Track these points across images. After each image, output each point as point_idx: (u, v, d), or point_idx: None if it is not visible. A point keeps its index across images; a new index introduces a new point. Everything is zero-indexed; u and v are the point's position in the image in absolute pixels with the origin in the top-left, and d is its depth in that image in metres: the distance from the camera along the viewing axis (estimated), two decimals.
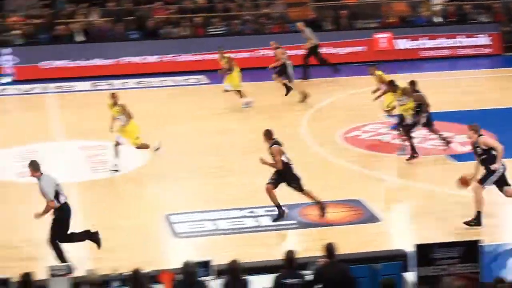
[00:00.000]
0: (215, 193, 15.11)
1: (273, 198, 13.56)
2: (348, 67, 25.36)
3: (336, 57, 26.03)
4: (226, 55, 21.21)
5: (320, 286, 9.68)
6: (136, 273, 9.45)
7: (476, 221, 13.03)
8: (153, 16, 26.99)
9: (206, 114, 20.70)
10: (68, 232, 11.98)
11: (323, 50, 25.67)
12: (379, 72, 18.87)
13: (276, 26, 26.96)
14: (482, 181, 13.05)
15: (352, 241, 12.80)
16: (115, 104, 16.42)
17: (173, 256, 12.48)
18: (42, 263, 11.39)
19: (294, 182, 13.61)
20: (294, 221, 13.86)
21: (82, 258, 12.15)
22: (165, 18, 27.14)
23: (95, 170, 16.64)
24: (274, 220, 13.63)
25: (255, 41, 25.96)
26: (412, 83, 17.10)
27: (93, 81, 24.42)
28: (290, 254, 9.88)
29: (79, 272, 10.34)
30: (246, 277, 9.74)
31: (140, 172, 16.50)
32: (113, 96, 16.55)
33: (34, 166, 11.92)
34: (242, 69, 21.32)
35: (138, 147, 16.39)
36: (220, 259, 10.54)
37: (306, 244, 12.67)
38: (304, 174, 15.93)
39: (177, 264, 9.93)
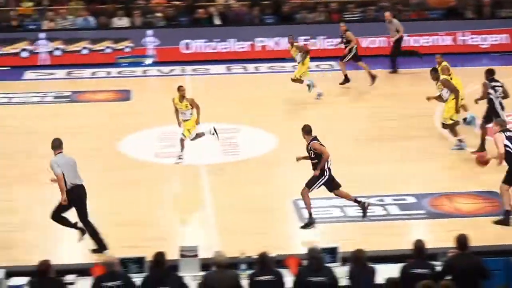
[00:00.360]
0: (345, 180, 15.01)
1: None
2: (489, 56, 24.71)
3: (477, 47, 25.48)
4: (296, 44, 20.63)
5: (450, 277, 9.49)
6: (263, 257, 9.54)
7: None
8: (289, 0, 27.05)
9: (337, 100, 20.60)
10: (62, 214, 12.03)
11: (463, 38, 25.39)
12: (445, 63, 18.06)
13: (414, 13, 26.44)
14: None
15: (487, 233, 12.46)
16: (182, 97, 15.71)
17: (300, 241, 12.52)
18: (174, 243, 11.70)
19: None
20: (423, 211, 13.63)
21: (211, 240, 12.41)
22: (300, 3, 27.16)
23: (226, 152, 16.89)
24: (303, 227, 12.89)
25: None
26: (488, 72, 16.24)
27: (228, 65, 24.76)
28: (419, 244, 9.71)
29: (208, 253, 10.53)
30: (373, 265, 9.67)
31: (269, 156, 16.60)
32: (181, 89, 15.71)
33: (53, 144, 12.14)
34: (376, 56, 21.10)
35: (181, 143, 15.96)
36: (346, 246, 10.51)
37: (435, 234, 12.43)
38: (438, 165, 15.68)
39: (304, 249, 9.96)
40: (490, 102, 16.06)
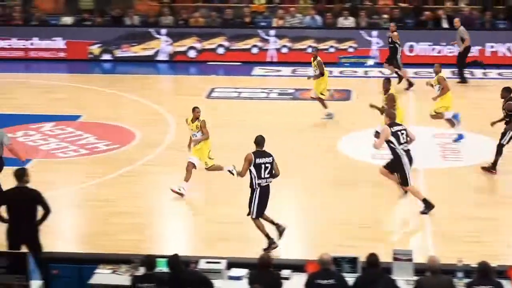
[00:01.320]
0: None
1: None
2: None
3: None
4: (318, 58, 19.27)
5: None
6: (483, 266, 9.22)
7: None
8: None
9: None
10: None
11: None
12: (441, 74, 17.34)
13: None
14: None
15: None
16: (196, 118, 14.44)
17: None
18: (388, 245, 11.53)
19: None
20: None
21: (426, 245, 12.13)
22: None
23: (446, 158, 16.54)
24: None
25: None
26: (507, 90, 15.18)
27: (452, 69, 23.89)
28: None
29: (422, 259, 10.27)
30: None
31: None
32: (196, 110, 14.48)
33: None
34: None
35: (209, 169, 14.62)
36: None
37: None
38: None
39: None
40: None
